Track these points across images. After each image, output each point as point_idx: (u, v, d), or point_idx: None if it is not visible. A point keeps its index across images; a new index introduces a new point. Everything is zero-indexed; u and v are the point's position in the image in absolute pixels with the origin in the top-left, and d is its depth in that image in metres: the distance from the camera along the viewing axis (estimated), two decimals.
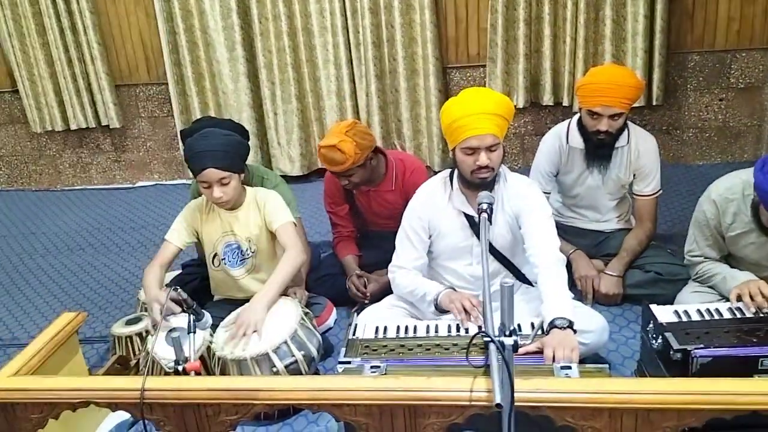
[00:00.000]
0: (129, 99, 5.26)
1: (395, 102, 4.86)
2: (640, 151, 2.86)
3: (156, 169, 5.48)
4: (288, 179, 5.04)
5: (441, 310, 2.31)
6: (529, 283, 2.49)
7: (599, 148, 2.83)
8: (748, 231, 2.26)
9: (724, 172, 4.44)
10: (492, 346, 1.42)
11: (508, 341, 1.43)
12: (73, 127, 5.29)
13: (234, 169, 2.46)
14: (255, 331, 2.21)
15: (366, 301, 2.75)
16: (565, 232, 2.99)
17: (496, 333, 1.44)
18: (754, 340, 1.96)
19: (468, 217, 2.36)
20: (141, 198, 5.25)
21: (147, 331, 2.67)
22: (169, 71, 4.98)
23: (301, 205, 4.27)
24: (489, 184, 2.29)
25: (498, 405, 1.32)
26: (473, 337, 1.63)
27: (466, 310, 2.21)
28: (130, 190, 5.46)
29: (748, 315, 2.11)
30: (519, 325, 2.18)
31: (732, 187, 2.28)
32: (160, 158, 5.44)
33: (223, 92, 5.02)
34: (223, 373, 2.24)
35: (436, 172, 4.82)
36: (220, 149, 2.43)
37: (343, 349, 2.05)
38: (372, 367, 1.82)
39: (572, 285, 2.85)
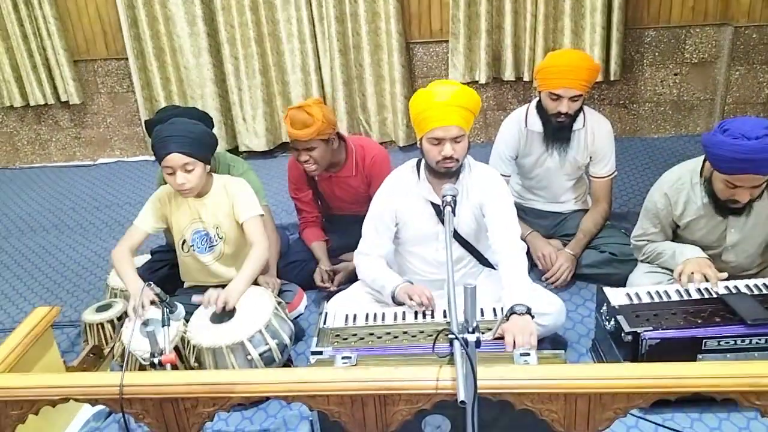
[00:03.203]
0: (87, 74, 5.16)
1: (359, 77, 4.87)
2: (596, 134, 2.96)
3: (117, 145, 5.42)
4: (253, 155, 5.09)
5: (398, 303, 2.39)
6: (492, 266, 2.59)
7: (559, 131, 2.92)
8: (698, 217, 2.40)
9: (678, 145, 4.68)
10: (456, 343, 1.52)
11: (471, 338, 1.52)
12: (32, 103, 5.19)
13: (198, 156, 2.48)
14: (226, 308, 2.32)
15: (332, 290, 2.87)
16: (525, 213, 3.10)
17: (460, 325, 1.54)
18: (699, 321, 2.11)
19: (434, 205, 2.44)
20: (103, 175, 5.21)
21: (119, 318, 2.72)
22: (129, 46, 4.90)
23: (267, 181, 4.33)
24: (454, 174, 2.38)
25: (462, 402, 1.42)
26: (438, 333, 1.72)
27: (421, 302, 2.31)
28: (91, 167, 5.40)
29: (694, 296, 2.25)
30: (482, 309, 2.29)
31: (681, 177, 2.41)
32: (121, 134, 5.37)
33: (184, 67, 4.97)
34: (198, 360, 2.30)
35: (400, 147, 4.93)
36: (186, 135, 2.47)
37: (315, 339, 2.14)
38: (343, 357, 1.90)
39: (533, 265, 2.97)
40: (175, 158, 2.42)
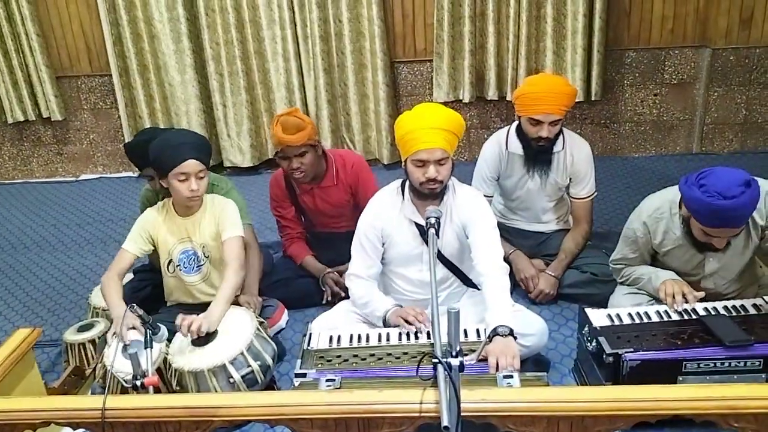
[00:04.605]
0: (71, 91, 5.14)
1: (344, 96, 4.90)
2: (575, 156, 3.00)
3: (100, 161, 5.39)
4: (238, 171, 5.09)
5: (388, 326, 2.40)
6: (476, 286, 2.61)
7: (540, 154, 2.95)
8: (677, 247, 2.42)
9: (658, 164, 4.75)
10: (440, 367, 1.52)
11: (455, 362, 1.53)
12: (11, 120, 5.15)
13: (207, 165, 2.51)
14: (205, 332, 2.29)
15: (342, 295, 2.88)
16: (508, 233, 3.13)
17: (443, 350, 1.55)
18: (679, 343, 2.14)
19: (418, 226, 2.46)
20: (85, 191, 5.17)
21: (101, 338, 2.69)
22: (113, 63, 4.90)
23: (252, 198, 4.33)
24: (438, 195, 2.40)
25: (445, 428, 1.42)
26: (422, 356, 1.73)
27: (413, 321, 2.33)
28: (74, 183, 5.37)
29: (674, 318, 2.28)
30: (465, 330, 2.30)
31: (660, 207, 2.42)
32: (104, 150, 5.35)
33: (169, 84, 4.97)
34: (180, 383, 2.29)
35: (384, 165, 4.96)
36: (197, 142, 2.51)
37: (299, 361, 2.13)
38: (327, 380, 1.90)
39: (515, 284, 2.99)
40: (192, 164, 2.43)
